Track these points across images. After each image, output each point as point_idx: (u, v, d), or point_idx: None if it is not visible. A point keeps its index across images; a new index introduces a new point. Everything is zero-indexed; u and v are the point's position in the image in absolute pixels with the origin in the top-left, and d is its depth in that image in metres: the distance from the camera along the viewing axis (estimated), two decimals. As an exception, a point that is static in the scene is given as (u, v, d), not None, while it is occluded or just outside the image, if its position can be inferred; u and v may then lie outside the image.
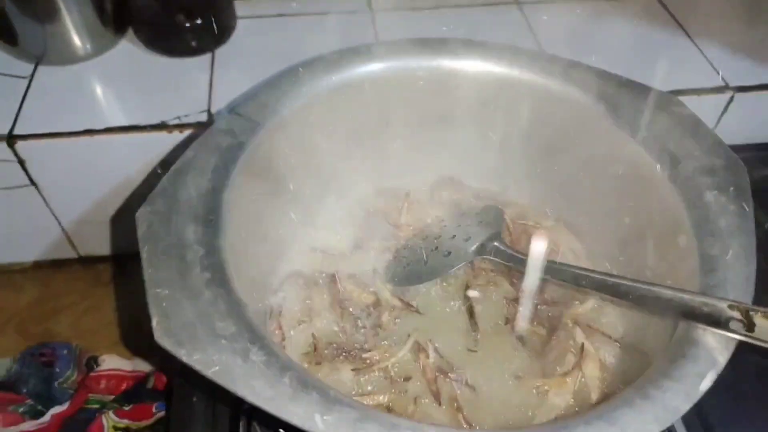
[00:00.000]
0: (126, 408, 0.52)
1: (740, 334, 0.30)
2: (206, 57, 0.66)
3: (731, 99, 0.63)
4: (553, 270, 0.40)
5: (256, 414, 0.44)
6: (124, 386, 0.55)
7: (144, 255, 0.32)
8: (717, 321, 0.31)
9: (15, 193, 0.61)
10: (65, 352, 0.58)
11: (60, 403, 0.54)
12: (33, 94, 0.61)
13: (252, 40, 0.68)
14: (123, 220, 0.66)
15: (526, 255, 0.40)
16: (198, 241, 0.33)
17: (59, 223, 0.66)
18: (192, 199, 0.35)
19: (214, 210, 0.35)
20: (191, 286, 0.31)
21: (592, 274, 0.38)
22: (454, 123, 0.48)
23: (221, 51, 0.67)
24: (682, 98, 0.57)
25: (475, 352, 0.43)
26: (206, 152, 0.37)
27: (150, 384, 0.56)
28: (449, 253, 0.45)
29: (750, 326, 0.30)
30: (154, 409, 0.54)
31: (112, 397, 0.54)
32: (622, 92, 0.42)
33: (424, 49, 0.46)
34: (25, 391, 0.55)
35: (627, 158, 0.41)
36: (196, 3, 0.63)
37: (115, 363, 0.55)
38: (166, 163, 0.60)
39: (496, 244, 0.44)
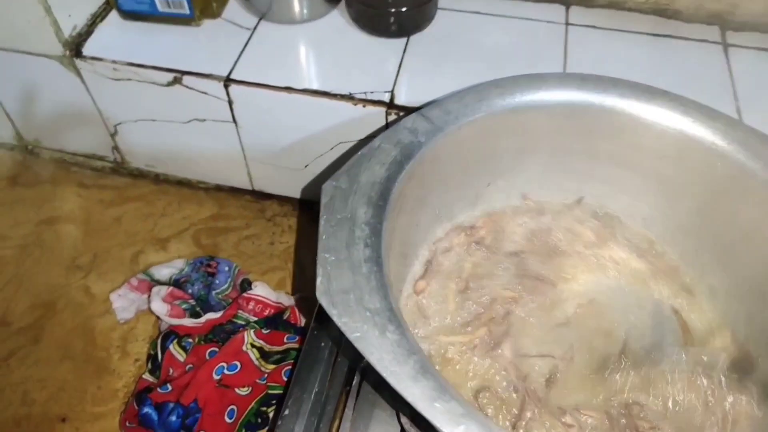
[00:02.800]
0: (264, 331, 0.61)
1: None
2: (401, 41, 0.71)
3: None
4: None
5: (367, 374, 0.50)
6: (266, 312, 0.64)
7: (322, 222, 0.38)
8: None
9: (219, 125, 0.72)
10: (226, 268, 0.68)
11: (214, 310, 0.64)
12: (252, 45, 0.71)
13: (445, 31, 0.72)
14: (297, 170, 0.75)
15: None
16: (366, 221, 0.38)
17: (245, 158, 0.76)
18: (369, 183, 0.40)
19: (384, 196, 0.40)
20: (353, 258, 0.37)
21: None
22: (609, 160, 0.49)
23: (416, 38, 0.71)
24: None
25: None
26: (389, 144, 0.43)
27: (286, 316, 0.65)
28: None
29: None
30: (285, 339, 0.62)
31: (255, 319, 0.63)
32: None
33: (595, 86, 0.47)
34: (190, 291, 0.66)
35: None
36: (408, -11, 0.68)
37: (264, 291, 0.65)
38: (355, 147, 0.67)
39: None
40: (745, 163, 0.45)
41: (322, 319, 0.50)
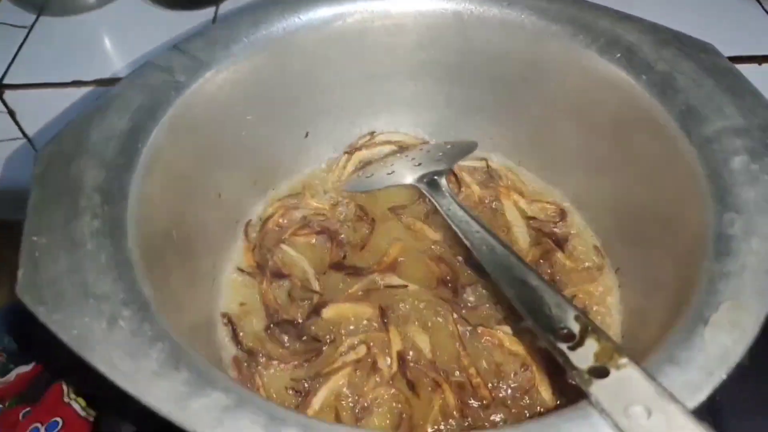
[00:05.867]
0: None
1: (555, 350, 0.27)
2: (209, 11, 0.62)
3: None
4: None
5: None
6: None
7: (32, 199, 0.28)
8: (550, 327, 0.28)
9: (7, 145, 0.60)
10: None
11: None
12: (30, 44, 0.60)
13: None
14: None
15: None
16: (97, 187, 0.28)
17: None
18: (103, 140, 0.30)
19: (127, 153, 0.30)
20: (74, 235, 0.27)
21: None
22: (415, 73, 0.43)
23: (226, 5, 0.62)
24: (744, 66, 0.48)
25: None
26: (132, 90, 0.33)
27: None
28: (393, 171, 0.44)
29: (575, 345, 0.27)
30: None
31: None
32: (641, 36, 0.34)
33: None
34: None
35: (636, 110, 0.33)
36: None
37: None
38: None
39: (435, 178, 0.42)
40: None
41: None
